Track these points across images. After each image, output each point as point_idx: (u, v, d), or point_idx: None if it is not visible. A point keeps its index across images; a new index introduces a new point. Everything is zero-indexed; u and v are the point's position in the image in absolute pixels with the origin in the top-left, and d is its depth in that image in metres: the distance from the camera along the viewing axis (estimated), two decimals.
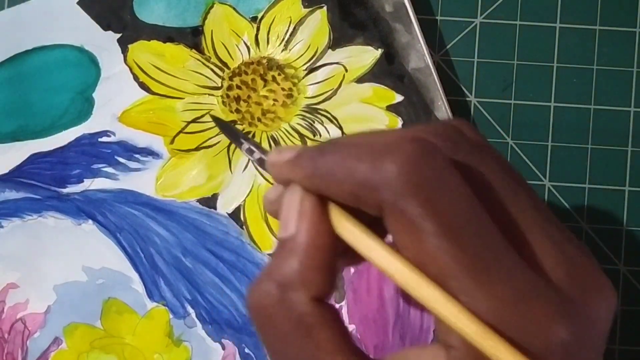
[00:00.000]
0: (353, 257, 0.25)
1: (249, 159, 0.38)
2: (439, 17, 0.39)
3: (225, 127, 0.34)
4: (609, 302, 0.23)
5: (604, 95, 0.39)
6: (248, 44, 0.38)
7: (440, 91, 0.37)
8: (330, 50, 0.38)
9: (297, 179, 0.24)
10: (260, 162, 0.27)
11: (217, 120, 0.36)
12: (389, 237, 0.23)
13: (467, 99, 0.39)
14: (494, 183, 0.23)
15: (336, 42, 0.38)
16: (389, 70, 0.38)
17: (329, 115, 0.38)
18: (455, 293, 0.21)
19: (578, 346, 0.21)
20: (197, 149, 0.38)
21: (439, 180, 0.21)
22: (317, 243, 0.23)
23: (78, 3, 0.38)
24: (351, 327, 0.37)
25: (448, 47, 0.39)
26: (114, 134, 0.38)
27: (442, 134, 0.23)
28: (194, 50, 0.38)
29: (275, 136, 0.38)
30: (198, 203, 0.38)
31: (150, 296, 0.38)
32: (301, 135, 0.38)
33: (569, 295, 0.22)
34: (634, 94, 0.39)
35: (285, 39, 0.38)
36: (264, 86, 0.38)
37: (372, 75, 0.38)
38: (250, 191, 0.38)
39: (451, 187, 0.21)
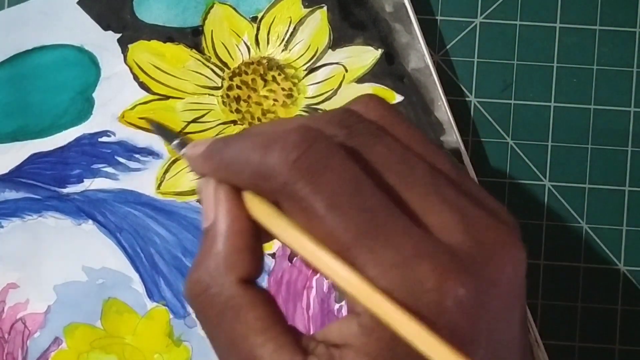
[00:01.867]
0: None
1: None
2: (439, 17, 0.39)
3: (158, 127, 0.35)
4: (513, 259, 0.23)
5: (604, 95, 0.39)
6: (248, 44, 0.38)
7: (440, 91, 0.37)
8: (330, 50, 0.38)
9: (207, 172, 0.25)
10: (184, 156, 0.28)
11: (150, 121, 0.36)
12: None
13: (467, 99, 0.39)
14: (385, 158, 0.24)
15: (336, 42, 0.38)
16: (389, 71, 0.38)
17: None
18: (350, 263, 0.21)
19: (478, 302, 0.21)
20: None
21: (322, 162, 0.22)
22: (235, 227, 0.24)
23: (78, 3, 0.38)
24: None
25: (448, 47, 0.39)
26: (114, 134, 0.38)
27: (333, 121, 0.24)
28: (194, 50, 0.38)
29: None
30: (198, 203, 0.38)
31: (151, 296, 0.38)
32: None
33: (465, 254, 0.22)
34: (634, 94, 0.39)
35: (286, 39, 0.38)
36: (264, 86, 0.38)
37: (372, 75, 0.38)
38: None
39: (335, 166, 0.22)
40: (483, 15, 0.39)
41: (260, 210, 0.24)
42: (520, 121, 0.39)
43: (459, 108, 0.39)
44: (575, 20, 0.39)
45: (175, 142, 0.28)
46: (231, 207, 0.24)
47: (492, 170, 0.39)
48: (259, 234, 0.24)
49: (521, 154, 0.39)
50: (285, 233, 0.23)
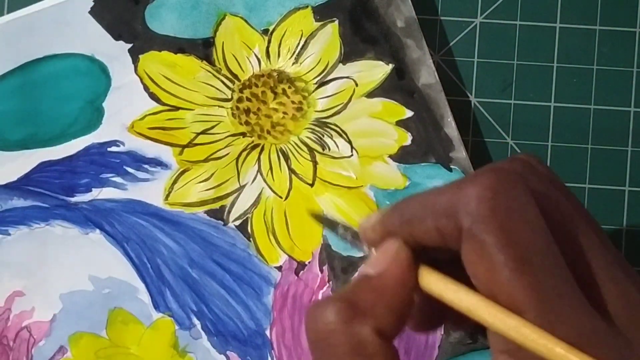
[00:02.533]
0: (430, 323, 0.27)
1: (257, 172, 0.38)
2: (439, 17, 0.39)
3: (324, 220, 0.35)
4: None
5: (604, 95, 0.39)
6: (259, 56, 0.38)
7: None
8: (341, 64, 0.38)
9: (391, 230, 0.24)
10: (354, 238, 0.28)
11: (316, 216, 0.36)
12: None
13: (467, 99, 0.39)
14: (566, 218, 0.23)
15: (347, 57, 0.38)
16: (399, 86, 0.38)
17: (338, 129, 0.38)
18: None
19: None
20: (206, 160, 0.38)
21: (517, 210, 0.21)
22: (399, 290, 0.23)
23: (90, 12, 0.38)
24: None
25: (448, 47, 0.39)
26: (123, 143, 0.38)
27: (515, 167, 0.23)
28: (204, 61, 0.38)
29: (284, 149, 0.38)
30: (206, 214, 0.38)
31: (156, 307, 0.38)
32: (310, 149, 0.38)
33: (628, 340, 0.21)
34: (634, 94, 0.39)
35: (296, 52, 0.38)
36: (274, 99, 0.38)
37: (382, 90, 0.38)
38: (258, 203, 0.38)
39: (528, 218, 0.21)
40: (483, 15, 0.39)
41: (436, 279, 0.23)
42: (520, 121, 0.39)
43: (459, 108, 0.39)
44: (575, 20, 0.39)
45: (341, 229, 0.28)
46: (406, 270, 0.24)
47: None
48: (409, 310, 0.24)
49: None
50: (463, 301, 0.22)
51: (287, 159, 0.38)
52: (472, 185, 0.22)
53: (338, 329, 0.23)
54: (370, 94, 0.38)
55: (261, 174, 0.38)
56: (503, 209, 0.21)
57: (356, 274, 0.25)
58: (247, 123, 0.38)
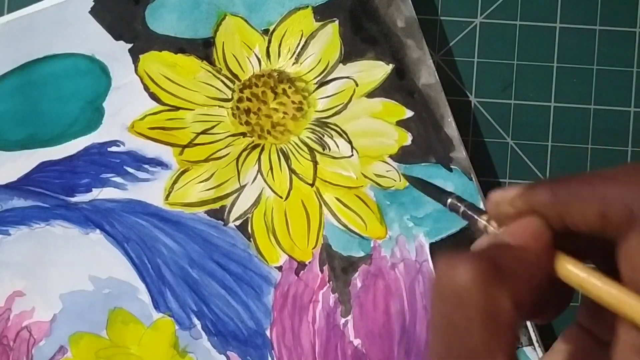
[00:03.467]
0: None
1: (257, 172, 0.38)
2: (439, 17, 0.39)
3: (428, 187, 0.32)
4: None
5: (604, 95, 0.39)
6: (259, 56, 0.38)
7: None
8: (341, 65, 0.38)
9: (536, 206, 0.23)
10: (469, 209, 0.26)
11: (417, 180, 0.34)
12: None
13: (467, 99, 0.39)
14: None
15: (347, 57, 0.38)
16: (400, 86, 0.38)
17: (338, 129, 0.38)
18: None
19: None
20: (207, 160, 0.38)
21: None
22: (540, 267, 0.23)
23: (90, 12, 0.38)
24: (357, 342, 0.37)
25: (448, 47, 0.39)
26: (123, 143, 0.38)
27: None
28: (205, 61, 0.38)
29: (284, 149, 0.38)
30: (206, 214, 0.38)
31: (157, 307, 0.38)
32: (310, 149, 0.38)
33: None
34: (634, 94, 0.39)
35: (297, 52, 0.38)
36: (274, 99, 0.38)
37: (383, 90, 0.38)
38: (258, 203, 0.38)
39: None
40: (483, 15, 0.39)
41: (576, 267, 0.22)
42: (520, 121, 0.39)
43: (459, 108, 0.39)
44: (575, 20, 0.39)
45: (451, 198, 0.27)
46: (547, 249, 0.23)
47: (492, 170, 0.39)
48: (541, 294, 0.23)
49: (521, 154, 0.39)
50: (607, 293, 0.21)
51: (287, 159, 0.38)
52: None
53: (477, 289, 0.21)
54: (371, 94, 0.38)
55: (261, 174, 0.38)
56: None
57: (485, 237, 0.24)
58: (247, 123, 0.38)
